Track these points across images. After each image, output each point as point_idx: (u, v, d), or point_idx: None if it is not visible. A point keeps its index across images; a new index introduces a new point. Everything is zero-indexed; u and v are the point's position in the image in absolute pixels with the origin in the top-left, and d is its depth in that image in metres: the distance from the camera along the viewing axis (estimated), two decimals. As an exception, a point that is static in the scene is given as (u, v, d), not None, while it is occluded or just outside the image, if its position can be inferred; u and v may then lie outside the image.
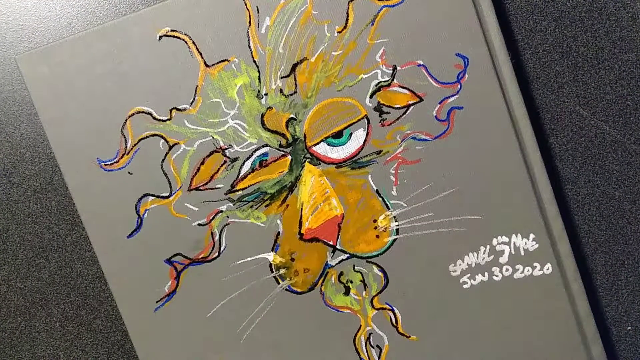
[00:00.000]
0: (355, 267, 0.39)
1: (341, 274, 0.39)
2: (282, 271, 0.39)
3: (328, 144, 0.38)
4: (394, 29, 0.37)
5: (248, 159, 0.38)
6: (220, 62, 0.37)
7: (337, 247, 0.39)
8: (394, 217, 0.39)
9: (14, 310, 0.42)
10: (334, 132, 0.38)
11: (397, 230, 0.39)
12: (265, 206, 0.38)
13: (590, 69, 0.42)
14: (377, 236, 0.39)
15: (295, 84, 0.38)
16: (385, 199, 0.39)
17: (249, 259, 0.39)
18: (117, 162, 0.37)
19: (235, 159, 0.38)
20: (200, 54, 0.37)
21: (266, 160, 0.38)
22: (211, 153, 0.38)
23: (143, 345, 0.39)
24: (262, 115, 0.38)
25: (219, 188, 0.38)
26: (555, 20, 0.42)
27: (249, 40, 0.37)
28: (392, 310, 0.40)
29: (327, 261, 0.39)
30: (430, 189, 0.38)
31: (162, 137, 0.37)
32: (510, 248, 0.39)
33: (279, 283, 0.39)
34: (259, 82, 0.37)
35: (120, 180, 0.37)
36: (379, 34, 0.37)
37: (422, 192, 0.39)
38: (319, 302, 0.39)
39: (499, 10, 0.41)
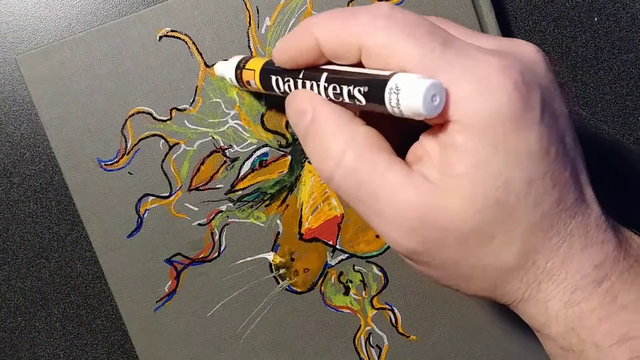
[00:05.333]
0: (355, 267, 0.39)
1: (341, 273, 0.39)
2: (282, 271, 0.39)
3: (328, 144, 0.38)
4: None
5: (248, 159, 0.38)
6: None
7: (337, 247, 0.39)
8: (394, 217, 0.39)
9: (14, 310, 0.42)
10: (334, 132, 0.38)
11: (396, 230, 0.39)
12: (265, 206, 0.38)
13: (589, 69, 0.42)
14: (377, 236, 0.39)
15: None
16: (385, 199, 0.39)
17: (248, 258, 0.39)
18: (117, 162, 0.37)
19: (235, 159, 0.38)
20: (201, 54, 0.37)
21: (266, 160, 0.38)
22: (211, 153, 0.38)
23: (143, 345, 0.39)
24: (262, 116, 0.38)
25: (219, 188, 0.38)
26: (554, 21, 0.42)
27: (249, 40, 0.37)
28: (392, 310, 0.40)
29: (326, 261, 0.39)
30: (430, 189, 0.38)
31: (162, 137, 0.38)
32: (509, 248, 0.39)
33: (278, 283, 0.39)
34: (259, 82, 0.37)
35: (120, 180, 0.37)
36: (379, 34, 0.37)
37: (422, 192, 0.39)
38: (319, 302, 0.39)
39: (499, 10, 0.41)
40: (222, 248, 0.38)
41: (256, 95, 0.38)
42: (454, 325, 0.40)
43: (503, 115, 0.23)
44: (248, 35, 0.37)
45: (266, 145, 0.38)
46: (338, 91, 0.26)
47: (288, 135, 0.38)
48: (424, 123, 0.25)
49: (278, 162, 0.38)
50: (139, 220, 0.38)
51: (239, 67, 0.34)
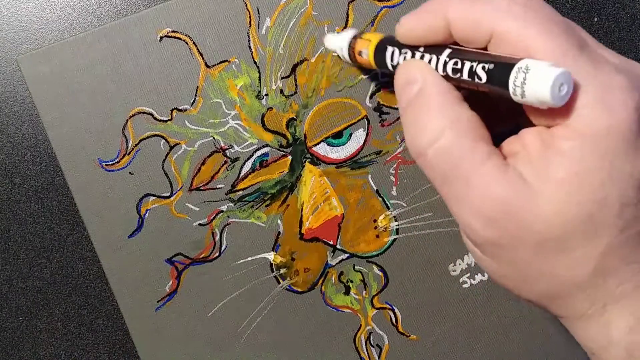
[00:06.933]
0: (356, 267, 0.39)
1: (341, 273, 0.39)
2: (282, 271, 0.39)
3: (328, 144, 0.38)
4: (393, 29, 0.37)
5: (249, 159, 0.38)
6: (220, 62, 0.37)
7: (337, 246, 0.39)
8: (394, 217, 0.39)
9: (15, 310, 0.42)
10: (334, 132, 0.38)
11: (397, 230, 0.39)
12: (266, 206, 0.38)
13: (589, 69, 0.42)
14: (377, 236, 0.39)
15: (296, 85, 0.38)
16: (385, 199, 0.39)
17: (249, 258, 0.39)
18: (118, 162, 0.38)
19: (236, 159, 0.38)
20: (201, 54, 0.37)
21: (267, 160, 0.38)
22: (212, 153, 0.38)
23: (144, 345, 0.39)
24: (263, 116, 0.38)
25: (219, 188, 0.38)
26: (554, 21, 0.42)
27: (249, 41, 0.37)
28: (392, 310, 0.40)
29: (327, 261, 0.39)
30: (429, 189, 0.39)
31: (163, 137, 0.38)
32: (509, 248, 0.39)
33: (279, 282, 0.39)
34: (260, 82, 0.38)
35: (121, 180, 0.38)
36: (379, 35, 0.38)
37: (422, 192, 0.39)
38: (319, 302, 0.39)
39: (499, 11, 0.41)
40: (222, 248, 0.39)
41: (257, 95, 0.38)
42: (454, 324, 0.40)
43: (618, 133, 0.23)
44: (248, 35, 0.37)
45: (267, 146, 0.38)
46: (459, 66, 0.25)
47: (288, 136, 0.38)
48: (521, 120, 0.25)
49: (278, 162, 0.38)
50: (140, 220, 0.38)
51: (355, 37, 0.33)
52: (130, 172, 0.38)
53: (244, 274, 0.39)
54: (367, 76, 0.38)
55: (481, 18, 0.25)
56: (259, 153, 0.38)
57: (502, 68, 0.23)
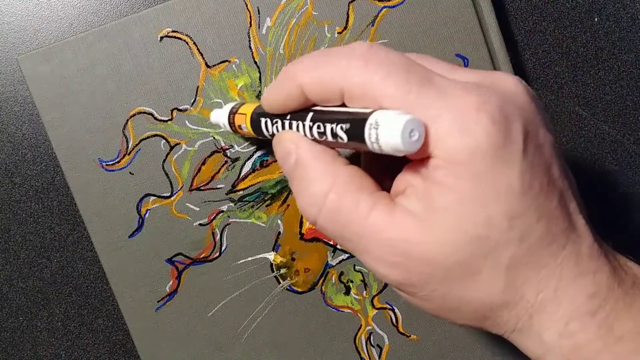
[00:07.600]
0: (356, 267, 0.39)
1: (342, 273, 0.39)
2: (282, 271, 0.39)
3: (328, 144, 0.38)
4: (394, 30, 0.38)
5: (249, 159, 0.38)
6: (221, 62, 0.37)
7: (338, 246, 0.39)
8: (394, 217, 0.39)
9: (15, 310, 0.42)
10: (335, 132, 0.38)
11: (397, 230, 0.39)
12: (266, 206, 0.38)
13: (589, 70, 0.42)
14: (378, 236, 0.39)
15: (296, 85, 0.38)
16: (386, 199, 0.39)
17: (249, 258, 0.39)
18: (118, 162, 0.38)
19: (237, 159, 0.38)
20: (201, 54, 0.37)
21: (267, 160, 0.38)
22: (212, 153, 0.38)
23: (144, 345, 0.39)
24: (263, 116, 0.38)
25: (220, 188, 0.38)
26: (554, 21, 0.42)
27: (249, 40, 0.37)
28: (393, 310, 0.40)
29: (327, 261, 0.39)
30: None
31: (163, 137, 0.38)
32: (510, 248, 0.39)
33: (279, 283, 0.39)
34: (260, 82, 0.38)
35: (121, 180, 0.38)
36: (379, 35, 0.38)
37: (422, 192, 0.39)
38: (320, 302, 0.39)
39: (499, 11, 0.41)
40: (223, 248, 0.39)
41: (258, 95, 0.38)
42: (455, 324, 0.40)
43: (481, 152, 0.23)
44: (249, 35, 0.37)
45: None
46: (322, 130, 0.26)
47: (289, 136, 0.38)
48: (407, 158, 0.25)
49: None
50: (140, 220, 0.38)
51: (232, 112, 0.34)
52: (130, 172, 0.38)
53: (244, 274, 0.39)
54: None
55: (327, 80, 0.25)
56: (259, 153, 0.38)
57: (356, 126, 0.24)
